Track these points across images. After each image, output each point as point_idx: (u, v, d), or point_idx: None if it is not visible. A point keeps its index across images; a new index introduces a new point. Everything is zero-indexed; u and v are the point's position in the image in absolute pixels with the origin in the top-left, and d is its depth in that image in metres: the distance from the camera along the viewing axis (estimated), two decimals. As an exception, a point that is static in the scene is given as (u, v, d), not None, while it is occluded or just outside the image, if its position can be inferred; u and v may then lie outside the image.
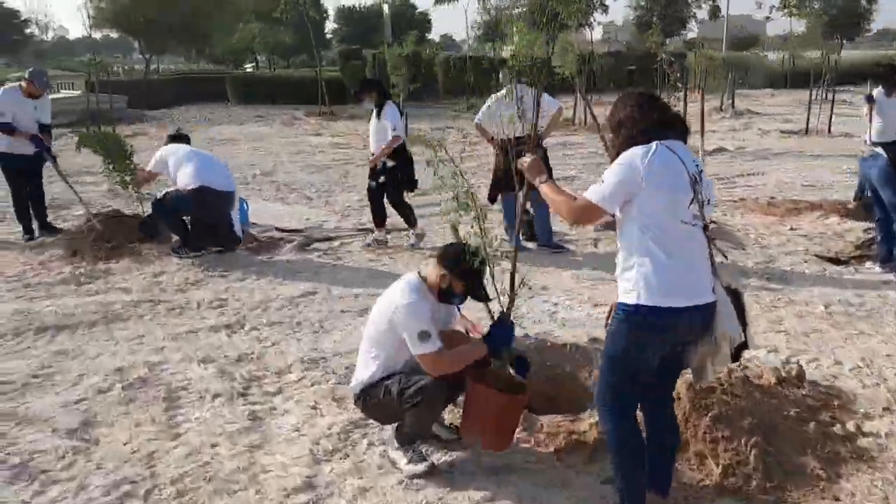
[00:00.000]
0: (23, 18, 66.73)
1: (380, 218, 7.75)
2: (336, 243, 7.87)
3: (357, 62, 27.78)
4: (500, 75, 7.38)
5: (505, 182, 7.19)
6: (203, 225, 7.11)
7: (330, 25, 57.71)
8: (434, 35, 64.38)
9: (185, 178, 6.94)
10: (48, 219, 8.38)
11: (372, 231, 7.94)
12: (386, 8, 54.48)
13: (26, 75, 8.03)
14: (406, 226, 7.82)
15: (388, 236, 7.83)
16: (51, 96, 8.48)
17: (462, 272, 3.41)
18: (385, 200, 7.71)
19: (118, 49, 73.62)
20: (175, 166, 7.07)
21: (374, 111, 7.59)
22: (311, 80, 28.20)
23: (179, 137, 7.91)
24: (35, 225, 8.23)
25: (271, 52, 33.63)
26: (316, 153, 15.55)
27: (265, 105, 26.55)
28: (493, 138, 7.32)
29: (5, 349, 5.04)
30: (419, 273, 3.60)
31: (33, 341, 5.18)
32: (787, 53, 34.09)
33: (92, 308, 5.77)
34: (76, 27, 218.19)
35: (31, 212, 8.18)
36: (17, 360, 4.86)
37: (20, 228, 8.17)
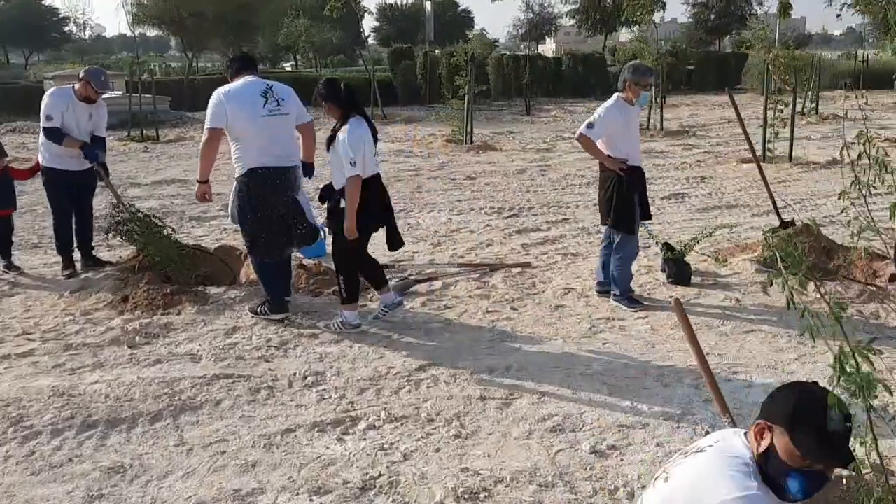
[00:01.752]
0: (62, 16, 66.60)
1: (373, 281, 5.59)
2: (437, 284, 6.46)
3: (409, 62, 26.40)
4: (626, 74, 5.84)
5: (629, 213, 5.75)
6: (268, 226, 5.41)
7: (369, 24, 56.57)
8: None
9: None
10: (93, 250, 7.09)
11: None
12: (429, 6, 53.24)
13: (81, 74, 6.71)
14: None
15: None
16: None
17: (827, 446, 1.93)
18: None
19: (154, 47, 73.25)
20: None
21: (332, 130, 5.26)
22: (360, 81, 26.94)
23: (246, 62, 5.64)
24: (77, 255, 6.93)
25: (316, 51, 32.43)
26: (382, 161, 14.12)
27: (311, 107, 25.24)
28: (609, 156, 5.82)
29: (40, 461, 3.68)
30: (744, 438, 2.10)
31: (77, 445, 3.82)
32: (860, 51, 32.14)
33: (153, 388, 4.40)
34: (112, 25, 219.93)
35: (75, 240, 6.89)
36: (54, 483, 3.48)
37: (58, 259, 6.88)
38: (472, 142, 16.42)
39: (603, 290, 6.12)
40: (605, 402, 4.23)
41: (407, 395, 4.34)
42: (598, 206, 6.24)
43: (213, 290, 6.14)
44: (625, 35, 56.53)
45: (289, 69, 52.71)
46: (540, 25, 58.01)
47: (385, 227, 5.45)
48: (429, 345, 5.11)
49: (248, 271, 6.71)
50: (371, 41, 67.94)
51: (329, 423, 4.01)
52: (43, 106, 6.59)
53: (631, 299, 5.78)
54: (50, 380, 4.54)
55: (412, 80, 26.40)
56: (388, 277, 5.76)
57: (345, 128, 5.05)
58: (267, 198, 5.29)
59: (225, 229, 8.82)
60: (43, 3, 63.41)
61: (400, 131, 19.56)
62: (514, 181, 11.91)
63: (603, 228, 6.24)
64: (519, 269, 6.88)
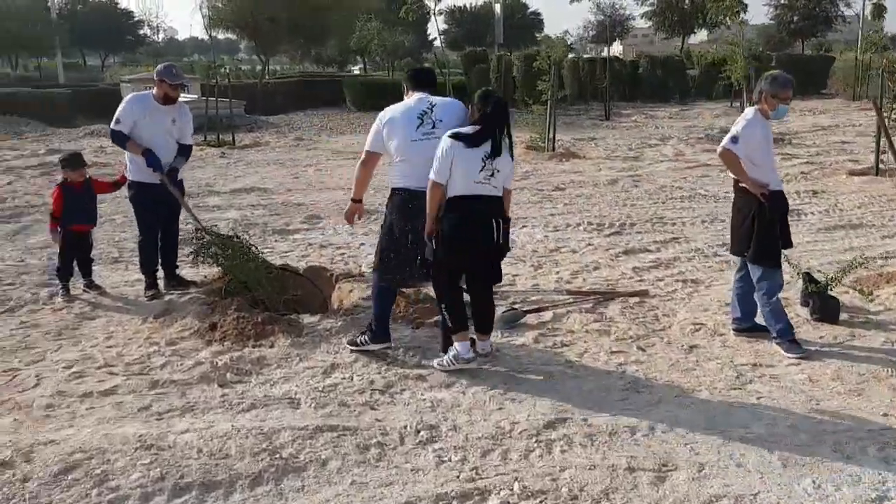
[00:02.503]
0: (136, 19, 68.08)
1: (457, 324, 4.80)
2: (547, 316, 5.83)
3: (483, 65, 25.81)
4: (763, 85, 5.12)
5: (771, 245, 5.12)
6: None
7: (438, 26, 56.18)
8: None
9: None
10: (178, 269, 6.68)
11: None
12: (498, 8, 52.63)
13: (156, 76, 6.30)
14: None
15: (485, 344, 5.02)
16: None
17: None
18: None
19: (225, 50, 74.31)
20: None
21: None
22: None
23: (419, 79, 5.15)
24: (161, 274, 6.52)
25: (388, 54, 32.12)
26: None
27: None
28: (752, 179, 5.12)
29: (129, 535, 3.19)
30: None
31: (170, 516, 3.32)
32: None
33: (250, 442, 3.87)
34: (184, 28, 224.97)
35: (160, 259, 6.48)
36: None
37: (140, 276, 6.48)
38: (554, 149, 15.75)
39: (740, 328, 5.41)
40: (780, 479, 3.54)
41: (539, 461, 3.72)
42: (730, 233, 5.53)
43: (306, 318, 5.62)
44: (699, 38, 54.97)
45: (356, 72, 52.76)
46: (611, 27, 56.83)
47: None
48: (553, 393, 4.48)
49: (339, 295, 6.21)
50: (437, 44, 67.75)
51: (454, 495, 3.42)
52: (118, 109, 6.22)
53: (793, 342, 5.05)
54: (136, 426, 4.07)
55: (486, 83, 25.78)
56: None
57: (456, 133, 4.61)
58: (402, 220, 4.85)
59: (310, 244, 8.36)
60: (119, 6, 64.86)
61: (477, 137, 18.97)
62: (608, 193, 11.20)
63: (735, 258, 5.54)
64: (636, 299, 6.21)
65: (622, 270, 7.09)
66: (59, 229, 6.27)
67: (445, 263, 4.66)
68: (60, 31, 41.02)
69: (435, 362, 4.82)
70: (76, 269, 6.45)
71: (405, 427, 4.06)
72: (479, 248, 4.66)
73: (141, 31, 69.35)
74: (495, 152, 4.55)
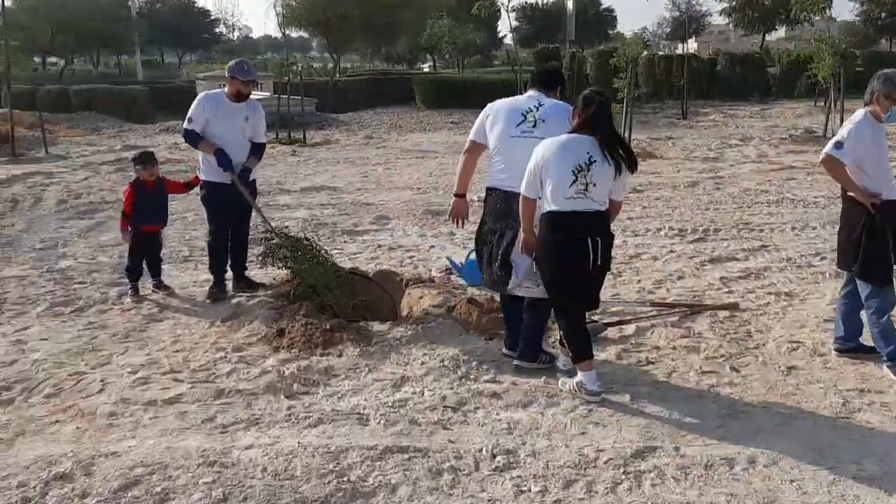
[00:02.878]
0: (212, 17, 69.51)
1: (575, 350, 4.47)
2: (630, 329, 5.47)
3: (555, 63, 25.33)
4: (875, 84, 4.68)
5: (882, 260, 4.68)
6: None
7: (508, 23, 55.65)
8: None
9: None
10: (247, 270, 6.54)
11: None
12: (570, 4, 51.88)
13: (227, 72, 6.15)
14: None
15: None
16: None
17: None
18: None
19: (297, 48, 75.28)
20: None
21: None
22: (504, 83, 26.13)
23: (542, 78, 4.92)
24: (230, 275, 6.39)
25: (459, 52, 31.87)
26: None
27: (455, 109, 24.64)
28: (860, 188, 4.68)
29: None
30: None
31: (232, 543, 3.11)
32: None
33: (317, 462, 3.65)
34: (259, 26, 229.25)
35: (229, 260, 6.35)
36: None
37: (209, 277, 6.35)
38: (629, 149, 15.22)
39: (844, 348, 4.97)
40: (905, 528, 3.14)
41: (628, 496, 3.40)
42: (837, 245, 5.07)
43: (376, 326, 5.39)
44: (776, 36, 53.19)
45: (426, 70, 52.73)
46: (686, 24, 55.47)
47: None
48: (640, 417, 4.14)
49: (409, 301, 5.97)
50: (507, 41, 67.17)
51: (537, 533, 3.13)
52: (190, 109, 6.10)
53: (906, 365, 4.60)
54: (199, 439, 3.89)
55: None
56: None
57: (555, 138, 4.27)
58: (491, 220, 4.74)
59: (379, 246, 8.15)
60: (196, 5, 66.31)
61: (549, 136, 18.56)
62: (688, 196, 10.71)
63: (838, 271, 5.09)
64: (726, 313, 5.79)
65: (709, 280, 6.67)
66: (129, 228, 6.19)
67: (553, 284, 4.33)
68: (140, 30, 42.09)
69: (560, 380, 4.51)
70: (145, 268, 6.36)
71: (480, 451, 3.78)
72: (575, 270, 4.24)
73: (217, 30, 70.80)
74: (593, 162, 4.14)
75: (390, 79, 31.38)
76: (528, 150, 4.32)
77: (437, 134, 19.38)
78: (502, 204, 4.62)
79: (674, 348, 5.12)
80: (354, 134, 19.45)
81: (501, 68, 49.71)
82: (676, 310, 5.86)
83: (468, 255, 6.81)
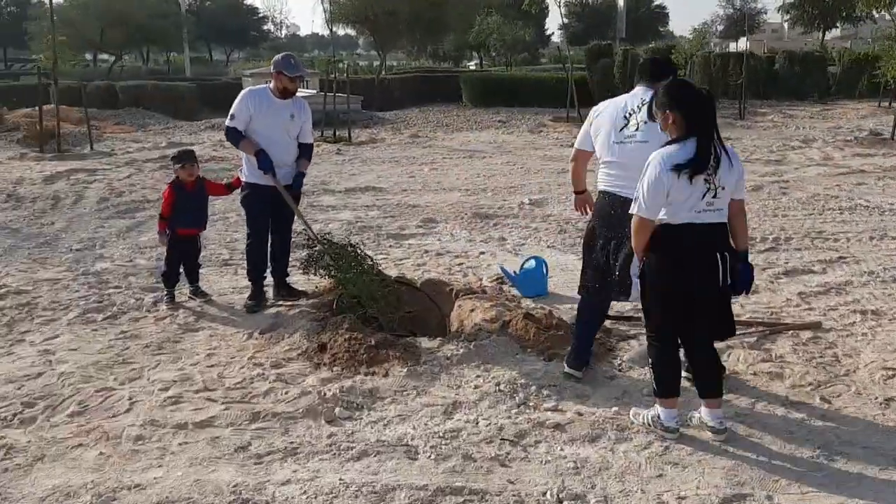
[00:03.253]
0: (261, 15, 69.96)
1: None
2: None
3: (607, 60, 24.71)
4: None
5: None
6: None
7: (556, 21, 54.87)
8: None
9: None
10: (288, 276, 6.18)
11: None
12: (621, 1, 51.02)
13: (273, 67, 5.77)
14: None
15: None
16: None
17: None
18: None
19: (343, 46, 75.39)
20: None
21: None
22: (554, 81, 25.59)
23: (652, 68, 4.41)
24: (269, 281, 6.04)
25: (508, 49, 31.37)
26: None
27: (503, 108, 24.16)
28: None
29: None
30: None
31: None
32: None
33: (360, 503, 3.26)
34: (306, 24, 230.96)
35: (269, 264, 5.99)
36: None
37: (247, 283, 6.00)
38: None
39: (950, 380, 4.42)
40: None
41: (719, 558, 2.93)
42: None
43: (424, 342, 4.98)
44: (832, 35, 51.55)
45: (472, 68, 52.26)
46: (740, 21, 54.24)
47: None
48: (723, 457, 3.66)
49: (459, 314, 5.55)
50: (554, 39, 66.33)
51: None
52: (233, 105, 5.75)
53: None
54: (231, 471, 3.51)
55: (609, 79, 24.70)
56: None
57: (664, 151, 3.62)
58: (603, 227, 4.34)
59: (426, 251, 7.74)
60: (244, 2, 66.78)
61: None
62: (754, 201, 10.09)
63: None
64: (808, 333, 5.26)
65: (786, 296, 6.11)
66: (167, 231, 5.87)
67: (655, 315, 3.83)
68: (189, 26, 42.38)
69: (632, 412, 4.03)
70: (182, 274, 6.04)
71: (545, 494, 3.34)
72: (699, 295, 3.69)
73: (264, 27, 71.23)
74: (718, 165, 3.57)
75: (437, 77, 31.00)
76: (638, 155, 3.88)
77: (485, 133, 18.92)
78: (617, 209, 4.16)
79: (755, 374, 4.62)
80: (400, 132, 19.09)
81: (549, 66, 49.10)
82: (753, 329, 5.34)
83: (522, 264, 6.38)
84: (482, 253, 7.66)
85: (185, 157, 5.89)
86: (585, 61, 25.19)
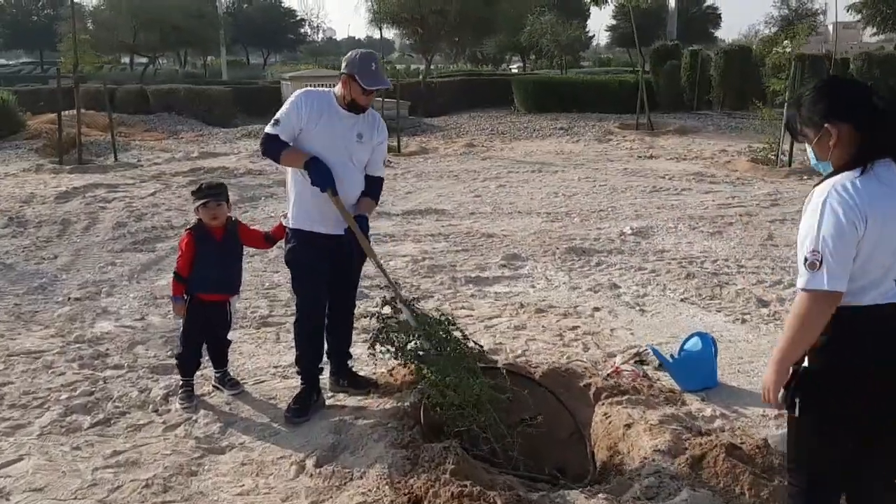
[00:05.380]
0: (298, 18, 68.69)
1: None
2: None
3: (674, 62, 22.72)
4: None
5: None
6: None
7: (604, 21, 52.68)
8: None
9: None
10: (352, 360, 4.43)
11: None
12: (672, 1, 48.81)
13: (344, 67, 3.96)
14: None
15: None
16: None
17: None
18: None
19: (378, 50, 74.03)
20: None
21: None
22: (614, 84, 23.67)
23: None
24: (326, 369, 4.29)
25: (563, 50, 29.49)
26: (682, 192, 10.83)
27: (560, 114, 22.29)
28: None
29: None
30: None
31: None
32: None
33: None
34: (342, 28, 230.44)
35: (326, 344, 4.24)
36: None
37: (296, 369, 4.24)
38: (791, 164, 12.67)
39: None
40: None
41: None
42: None
43: (571, 496, 3.17)
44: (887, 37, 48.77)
45: (515, 70, 50.35)
46: (795, 22, 51.72)
47: None
48: None
49: (607, 430, 3.75)
50: (598, 40, 64.13)
51: None
52: (282, 107, 4.02)
53: None
54: None
55: (676, 83, 22.72)
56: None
57: (838, 183, 2.27)
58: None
59: (522, 305, 5.93)
60: (282, 5, 65.64)
61: (680, 146, 16.08)
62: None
63: None
64: None
65: None
66: (184, 296, 4.15)
67: (811, 459, 2.40)
68: (226, 28, 41.10)
69: None
70: (206, 353, 4.33)
71: None
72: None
73: (301, 30, 69.96)
74: None
75: (484, 80, 29.21)
76: None
77: (547, 142, 17.08)
78: None
79: None
80: (453, 141, 17.32)
81: (596, 69, 47.01)
82: None
83: (683, 344, 4.54)
84: (596, 310, 5.84)
85: (211, 193, 4.14)
86: (650, 64, 23.21)
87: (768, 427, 3.90)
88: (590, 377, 4.19)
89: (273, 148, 3.91)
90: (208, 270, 4.11)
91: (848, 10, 36.60)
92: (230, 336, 4.42)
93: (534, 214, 9.40)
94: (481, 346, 3.99)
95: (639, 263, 7.13)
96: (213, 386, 4.32)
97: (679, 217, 9.06)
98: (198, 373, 4.30)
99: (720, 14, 52.84)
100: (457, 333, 3.96)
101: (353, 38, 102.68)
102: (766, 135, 13.21)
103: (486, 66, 53.27)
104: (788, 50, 13.18)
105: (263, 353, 4.95)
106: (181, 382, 4.20)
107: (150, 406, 4.14)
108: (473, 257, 7.46)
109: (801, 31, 13.40)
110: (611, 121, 19.89)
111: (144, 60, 42.11)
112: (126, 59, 47.55)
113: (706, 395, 4.24)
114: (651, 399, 4.00)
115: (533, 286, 6.55)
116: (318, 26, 76.68)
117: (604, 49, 74.79)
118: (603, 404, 3.90)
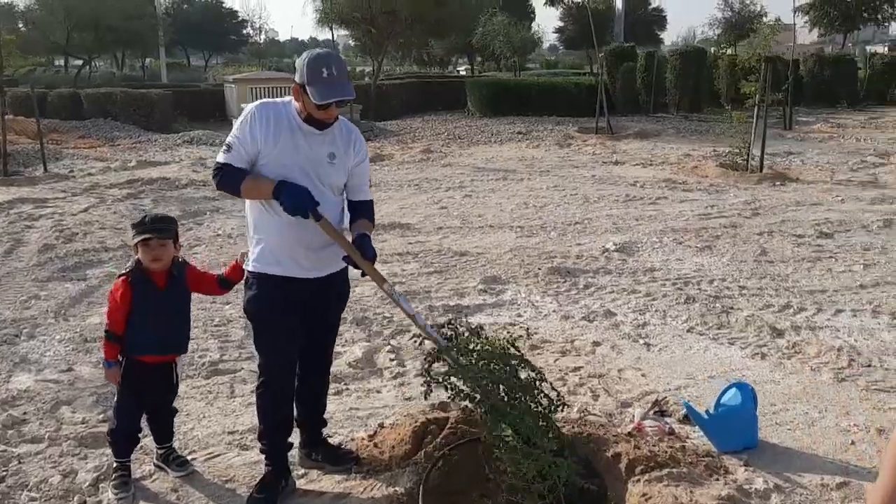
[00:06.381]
0: (240, 19, 67.11)
1: None
2: None
3: (631, 64, 22.35)
4: None
5: None
6: None
7: (552, 23, 52.56)
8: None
9: None
10: (325, 434, 3.65)
11: None
12: (619, 3, 48.84)
13: (297, 75, 3.10)
14: None
15: None
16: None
17: None
18: None
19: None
20: None
21: None
22: (570, 87, 23.21)
23: None
24: (297, 454, 3.50)
25: (515, 52, 28.96)
26: (658, 200, 10.27)
27: (516, 117, 21.71)
28: None
29: None
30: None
31: None
32: None
33: None
34: (284, 30, 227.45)
35: (295, 409, 3.45)
36: None
37: (259, 446, 3.44)
38: (762, 168, 12.24)
39: None
40: None
41: None
42: None
43: None
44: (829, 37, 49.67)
45: (463, 73, 49.77)
46: (739, 25, 52.34)
47: None
48: None
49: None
50: (543, 42, 64.04)
51: None
52: (233, 128, 3.22)
53: None
54: None
55: (632, 85, 22.35)
56: None
57: None
58: None
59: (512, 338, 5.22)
60: (224, 5, 64.01)
61: (643, 150, 15.60)
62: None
63: None
64: None
65: None
66: (119, 359, 3.32)
67: None
68: (165, 29, 39.58)
69: None
70: (146, 425, 3.51)
71: None
72: None
73: (244, 31, 68.34)
74: None
75: (436, 82, 28.54)
76: None
77: (506, 147, 16.44)
78: None
79: None
80: (409, 147, 16.55)
81: (542, 71, 46.67)
82: None
83: (720, 397, 3.87)
84: (596, 345, 5.17)
85: (155, 228, 3.31)
86: (606, 65, 22.82)
87: (831, 501, 3.27)
88: (617, 442, 3.49)
89: (229, 180, 3.11)
90: (149, 327, 3.29)
91: (795, 12, 36.98)
92: (177, 403, 3.61)
93: (506, 228, 8.72)
94: (560, 396, 3.15)
95: (630, 285, 6.50)
96: (156, 465, 3.51)
97: (661, 230, 8.48)
98: (137, 447, 3.48)
99: (665, 16, 53.13)
100: (527, 374, 3.14)
101: (297, 39, 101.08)
102: (735, 139, 12.75)
103: (433, 68, 52.57)
104: (759, 51, 12.74)
105: (215, 414, 4.14)
106: (115, 465, 3.37)
107: (76, 497, 3.30)
108: (448, 280, 6.74)
109: (767, 32, 12.98)
110: (569, 125, 19.40)
111: (80, 62, 40.36)
112: (60, 62, 45.66)
113: (748, 458, 3.59)
114: (692, 470, 3.32)
115: (520, 315, 5.85)
116: (260, 27, 75.00)
117: (547, 51, 74.96)
118: (639, 481, 3.21)
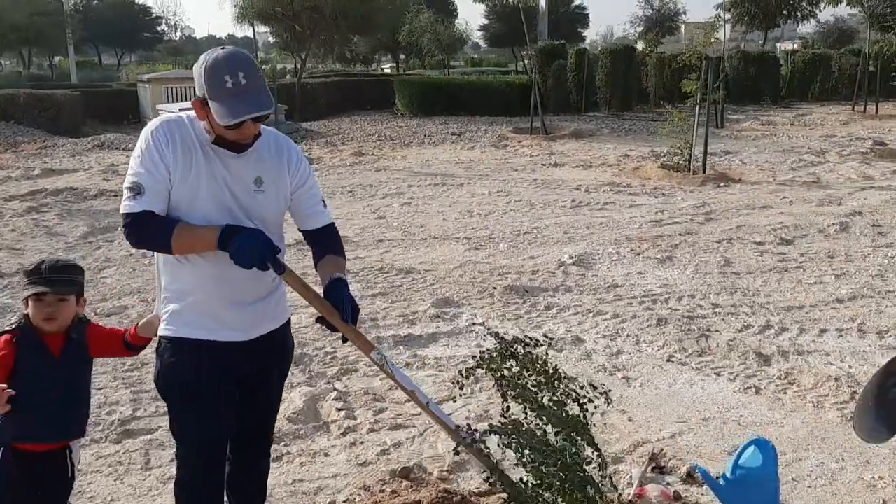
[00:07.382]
0: (154, 16, 64.71)
1: None
2: None
3: (562, 62, 22.01)
4: None
5: None
6: None
7: (477, 20, 52.13)
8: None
9: None
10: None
11: None
12: (543, 1, 48.84)
13: (198, 87, 2.30)
14: None
15: None
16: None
17: None
18: None
19: (243, 48, 70.89)
20: None
21: None
22: (502, 86, 22.73)
23: None
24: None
25: (443, 50, 28.37)
26: (605, 206, 9.80)
27: (448, 117, 21.11)
28: None
29: None
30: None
31: None
32: None
33: None
34: (202, 27, 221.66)
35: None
36: None
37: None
38: (705, 170, 11.94)
39: None
40: None
41: None
42: None
43: None
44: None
45: (388, 71, 49.00)
46: (660, 22, 53.06)
47: None
48: None
49: None
50: (470, 41, 63.79)
51: None
52: (132, 162, 2.42)
53: None
54: None
55: (564, 83, 22.02)
56: None
57: None
58: None
59: (478, 381, 4.58)
60: (136, 2, 61.61)
61: (580, 151, 15.20)
62: (859, 249, 7.41)
63: None
64: None
65: None
66: (-7, 444, 2.54)
67: None
68: (74, 27, 37.56)
69: None
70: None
71: None
72: None
73: (159, 28, 65.87)
74: None
75: (362, 80, 27.75)
76: None
77: (441, 149, 15.81)
78: None
79: None
80: (339, 150, 15.76)
81: (468, 69, 46.24)
82: None
83: (737, 457, 3.30)
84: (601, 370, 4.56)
85: (52, 279, 2.53)
86: (537, 63, 22.42)
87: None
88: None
89: (154, 235, 2.32)
90: (36, 404, 2.52)
91: (717, 9, 37.48)
92: (79, 479, 2.84)
93: (452, 240, 8.09)
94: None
95: (595, 305, 5.94)
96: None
97: (616, 239, 7.98)
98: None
99: (588, 14, 53.31)
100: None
101: (214, 36, 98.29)
102: (675, 139, 12.43)
103: (356, 65, 51.58)
104: (700, 49, 12.45)
105: (126, 495, 3.37)
106: (-9, 588, 2.59)
107: None
108: (396, 304, 6.06)
109: (711, 28, 12.72)
110: (503, 124, 18.93)
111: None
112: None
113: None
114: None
115: (479, 345, 5.21)
116: (175, 24, 72.56)
117: (471, 49, 74.70)
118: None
